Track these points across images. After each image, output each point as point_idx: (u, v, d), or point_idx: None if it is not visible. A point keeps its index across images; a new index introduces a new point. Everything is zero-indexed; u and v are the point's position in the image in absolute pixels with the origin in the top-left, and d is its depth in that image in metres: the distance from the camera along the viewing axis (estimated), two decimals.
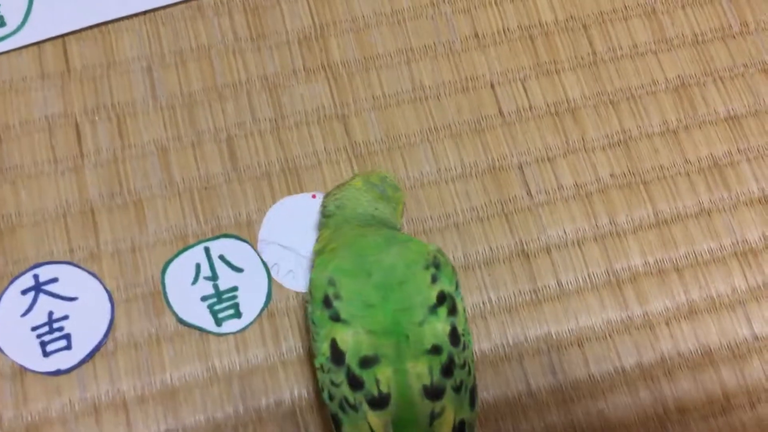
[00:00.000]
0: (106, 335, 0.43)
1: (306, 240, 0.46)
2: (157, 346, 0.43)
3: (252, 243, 0.46)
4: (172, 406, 0.42)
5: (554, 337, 0.45)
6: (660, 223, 0.48)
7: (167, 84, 0.48)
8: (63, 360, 0.43)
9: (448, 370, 0.35)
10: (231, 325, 0.44)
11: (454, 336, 0.36)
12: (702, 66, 0.51)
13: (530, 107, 0.50)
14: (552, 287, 0.46)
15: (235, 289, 0.45)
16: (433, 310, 0.36)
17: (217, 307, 0.44)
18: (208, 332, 0.44)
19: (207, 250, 0.45)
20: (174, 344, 0.43)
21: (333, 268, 0.37)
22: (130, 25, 0.49)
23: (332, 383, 0.36)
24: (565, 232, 0.47)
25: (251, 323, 0.44)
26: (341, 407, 0.35)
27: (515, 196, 0.48)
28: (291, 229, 0.46)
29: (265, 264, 0.45)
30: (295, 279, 0.45)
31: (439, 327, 0.35)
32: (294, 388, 0.43)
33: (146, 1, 0.50)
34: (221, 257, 0.45)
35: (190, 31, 0.50)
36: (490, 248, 0.47)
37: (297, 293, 0.45)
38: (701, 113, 0.50)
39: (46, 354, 0.43)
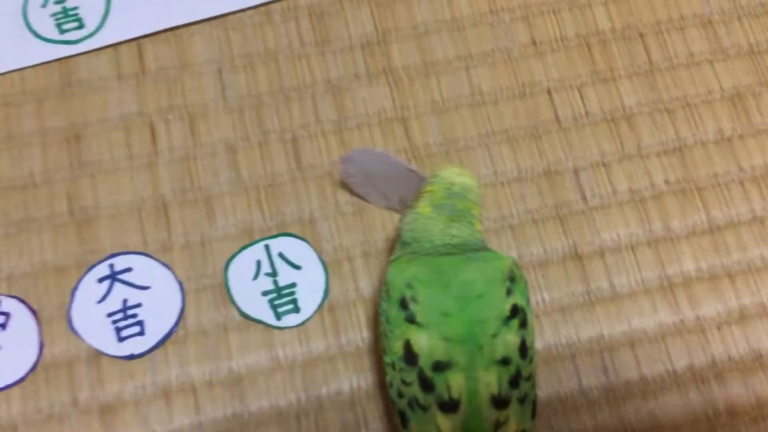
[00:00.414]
0: (176, 323, 0.46)
1: (384, 174, 0.46)
2: (224, 334, 0.45)
3: (311, 242, 0.47)
4: (238, 392, 0.44)
5: (606, 338, 0.46)
6: (713, 230, 0.48)
7: (236, 86, 0.51)
8: (136, 345, 0.45)
9: (515, 381, 0.36)
10: (290, 320, 0.46)
11: (523, 349, 0.37)
12: (757, 76, 0.52)
13: (586, 114, 0.51)
14: (605, 289, 0.47)
15: (293, 285, 0.47)
16: (506, 322, 0.36)
17: (276, 302, 0.46)
18: (269, 326, 0.46)
19: (267, 247, 0.47)
20: (240, 333, 0.45)
21: (410, 276, 0.37)
22: (201, 29, 0.52)
23: (403, 382, 0.37)
24: (618, 236, 0.48)
25: (309, 318, 0.46)
26: (410, 406, 0.37)
27: (570, 199, 0.49)
28: (374, 166, 0.46)
29: (323, 262, 0.47)
30: (362, 187, 0.47)
31: (510, 339, 0.36)
32: (353, 379, 0.45)
33: (218, 6, 0.52)
34: (280, 255, 0.47)
35: (259, 36, 0.52)
36: (544, 250, 0.48)
37: (357, 288, 0.47)
38: (756, 122, 0.51)
39: (120, 339, 0.45)
